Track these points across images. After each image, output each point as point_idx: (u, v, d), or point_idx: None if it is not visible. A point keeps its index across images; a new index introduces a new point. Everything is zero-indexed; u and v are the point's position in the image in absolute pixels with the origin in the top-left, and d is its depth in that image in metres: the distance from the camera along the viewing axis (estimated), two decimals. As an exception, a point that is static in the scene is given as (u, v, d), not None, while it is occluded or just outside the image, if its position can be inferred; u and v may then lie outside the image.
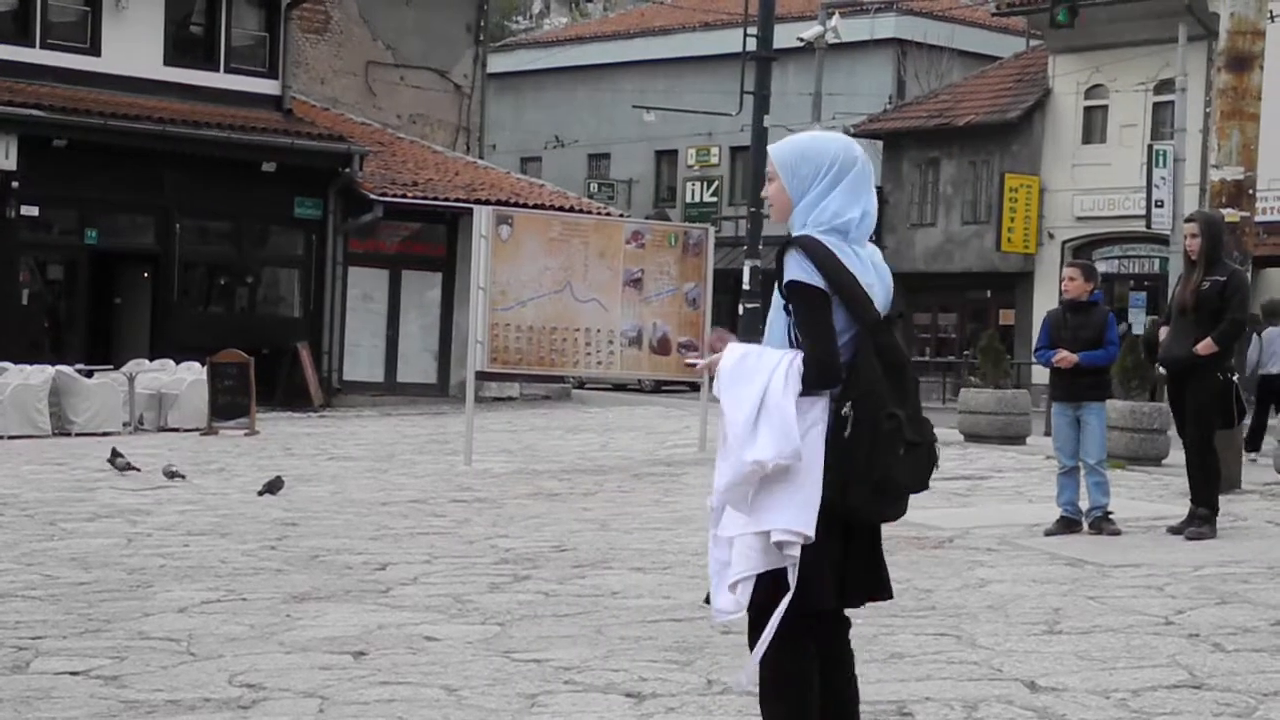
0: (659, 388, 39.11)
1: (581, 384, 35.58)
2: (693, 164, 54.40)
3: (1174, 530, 11.00)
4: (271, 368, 27.96)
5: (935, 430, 4.81)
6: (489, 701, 6.35)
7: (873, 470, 4.58)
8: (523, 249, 17.91)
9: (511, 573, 9.77)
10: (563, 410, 29.33)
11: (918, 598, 8.60)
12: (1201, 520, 10.94)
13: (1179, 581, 8.74)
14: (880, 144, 47.34)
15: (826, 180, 4.72)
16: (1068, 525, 11.37)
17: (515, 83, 55.70)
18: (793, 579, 4.62)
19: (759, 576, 4.64)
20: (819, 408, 4.62)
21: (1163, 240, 35.79)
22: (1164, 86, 37.80)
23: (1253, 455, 18.20)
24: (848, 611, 4.91)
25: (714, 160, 53.74)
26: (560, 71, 54.38)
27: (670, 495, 14.66)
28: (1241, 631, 7.36)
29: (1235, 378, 11.27)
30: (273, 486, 14.57)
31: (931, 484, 4.80)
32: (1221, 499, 11.27)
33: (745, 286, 22.28)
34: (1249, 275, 14.12)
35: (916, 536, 11.21)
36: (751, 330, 22.51)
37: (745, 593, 4.66)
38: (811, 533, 4.56)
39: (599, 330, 18.33)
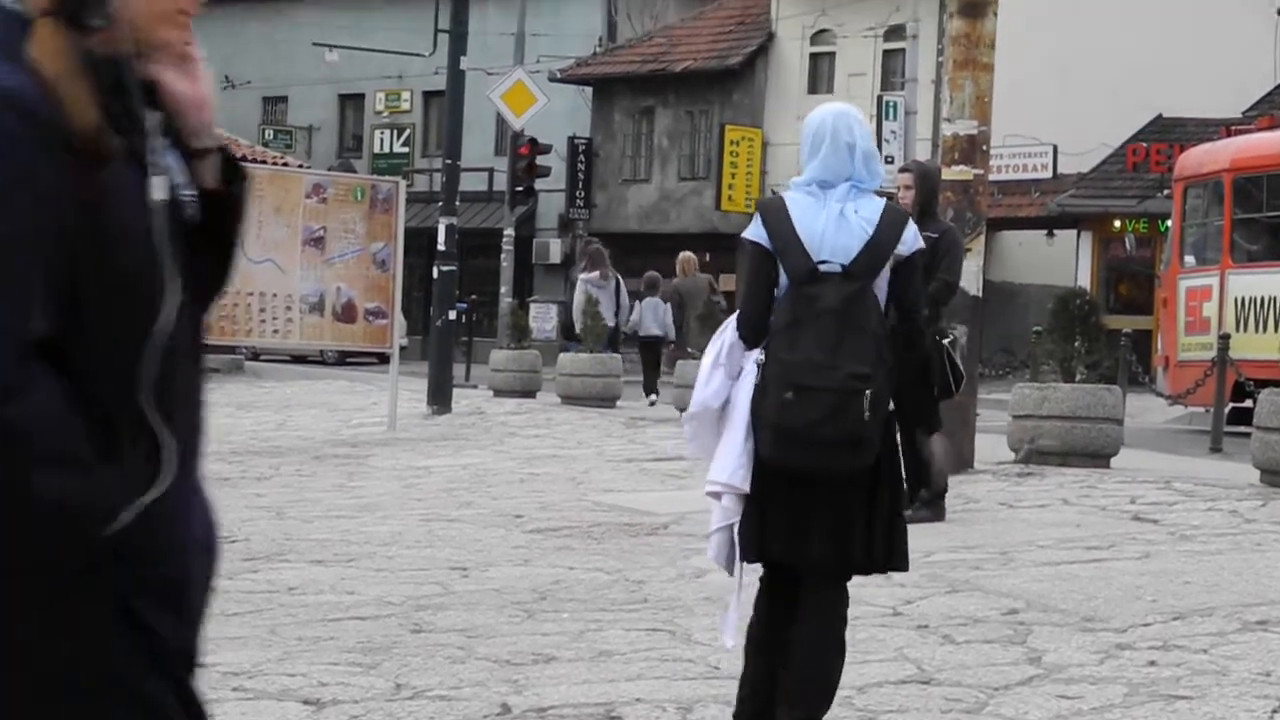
0: (344, 360, 38.79)
1: (255, 355, 35.09)
2: (381, 110, 54.00)
3: None
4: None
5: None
6: (147, 713, 6.22)
7: (765, 415, 5.17)
8: (187, 203, 17.60)
9: (174, 568, 9.59)
10: (234, 384, 28.88)
11: (629, 590, 8.68)
12: (923, 503, 10.97)
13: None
14: (589, 91, 47.63)
15: (807, 149, 5.49)
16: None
17: (179, 15, 54.60)
18: (735, 533, 5.28)
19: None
20: (752, 360, 5.29)
21: (893, 198, 36.66)
22: (894, 33, 38.64)
23: (651, 398, 23.51)
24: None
25: (405, 106, 53.42)
26: (228, 2, 53.43)
27: (355, 480, 14.57)
28: (972, 622, 7.58)
29: (949, 340, 11.14)
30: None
31: (855, 437, 5.22)
32: (953, 479, 11.51)
33: (440, 247, 22.12)
34: (983, 239, 14.45)
35: (628, 523, 11.32)
36: (446, 296, 22.39)
37: (712, 547, 5.45)
38: (738, 483, 5.20)
39: (275, 295, 18.12)
